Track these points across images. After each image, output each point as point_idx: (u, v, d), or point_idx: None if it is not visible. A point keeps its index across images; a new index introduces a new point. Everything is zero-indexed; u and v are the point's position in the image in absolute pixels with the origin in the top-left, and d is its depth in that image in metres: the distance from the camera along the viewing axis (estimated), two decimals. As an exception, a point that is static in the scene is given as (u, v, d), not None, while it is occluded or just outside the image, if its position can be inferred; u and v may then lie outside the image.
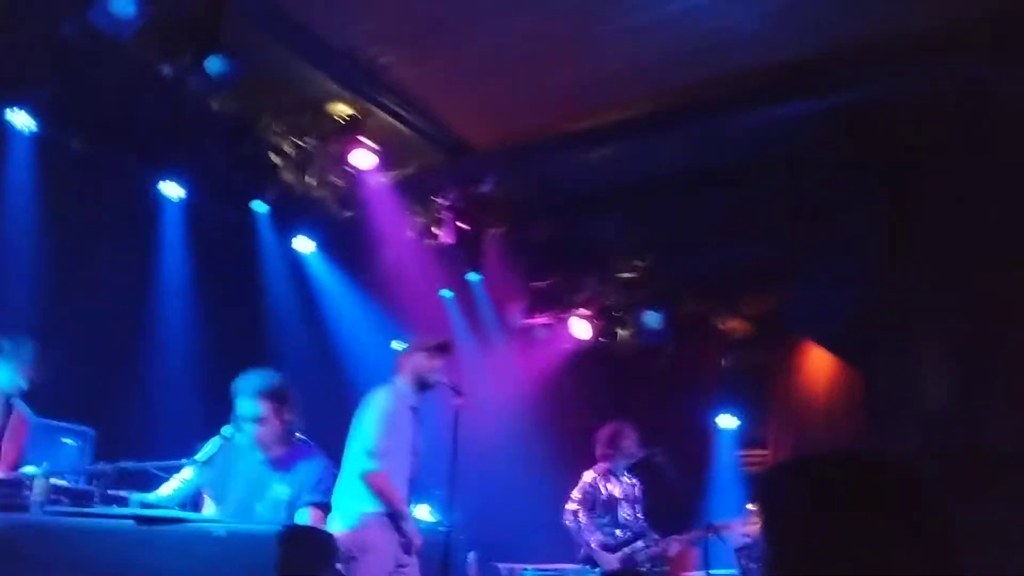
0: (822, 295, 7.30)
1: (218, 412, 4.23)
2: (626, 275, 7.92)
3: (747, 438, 8.70)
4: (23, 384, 4.70)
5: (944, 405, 6.84)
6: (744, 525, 6.03)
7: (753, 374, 8.82)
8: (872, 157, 6.64)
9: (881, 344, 7.07)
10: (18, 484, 3.81)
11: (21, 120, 5.80)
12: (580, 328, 7.98)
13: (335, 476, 4.00)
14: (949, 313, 6.85)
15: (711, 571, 5.75)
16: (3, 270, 5.52)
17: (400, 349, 5.05)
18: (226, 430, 3.79)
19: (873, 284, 6.96)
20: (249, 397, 3.78)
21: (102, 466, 3.48)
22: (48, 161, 5.89)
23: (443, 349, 5.00)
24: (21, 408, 4.75)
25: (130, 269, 6.35)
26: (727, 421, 8.53)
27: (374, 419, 4.67)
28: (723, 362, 8.30)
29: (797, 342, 8.87)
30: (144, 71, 6.03)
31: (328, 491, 3.78)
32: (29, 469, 4.08)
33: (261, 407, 3.75)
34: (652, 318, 7.56)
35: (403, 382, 4.90)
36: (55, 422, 5.29)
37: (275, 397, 3.78)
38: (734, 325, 8.65)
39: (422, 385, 4.89)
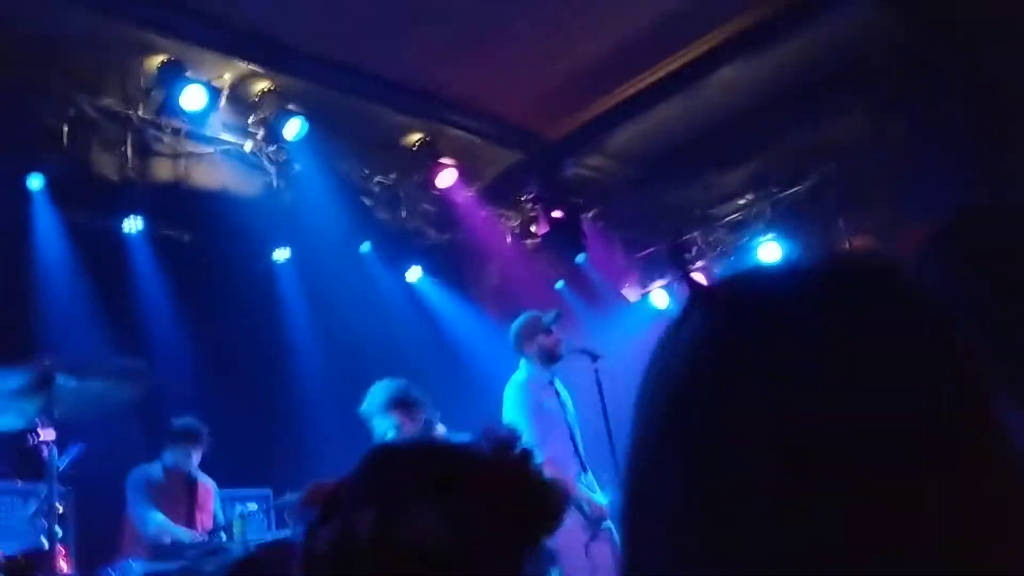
0: (931, 183, 7.05)
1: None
2: (731, 218, 7.82)
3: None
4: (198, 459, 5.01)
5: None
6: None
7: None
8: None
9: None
10: (210, 538, 4.04)
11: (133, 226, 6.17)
12: (700, 282, 7.89)
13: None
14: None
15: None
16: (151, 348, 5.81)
17: (516, 331, 5.08)
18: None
19: (982, 155, 6.68)
20: (379, 414, 3.92)
21: (282, 499, 3.65)
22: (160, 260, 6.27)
23: (557, 319, 5.02)
24: (204, 479, 5.05)
25: (260, 338, 6.64)
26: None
27: (515, 413, 4.73)
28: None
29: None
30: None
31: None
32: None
33: (393, 417, 3.88)
34: (770, 250, 7.43)
35: (530, 363, 4.95)
36: (234, 490, 5.57)
37: (401, 403, 3.90)
38: (859, 241, 8.39)
39: (550, 358, 4.92)
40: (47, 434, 2.90)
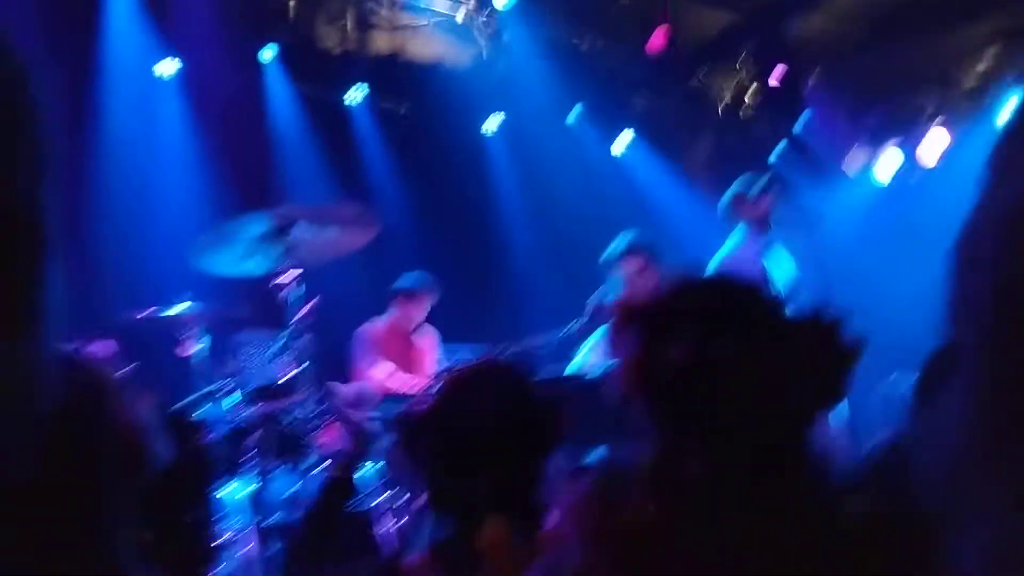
0: None
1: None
2: (975, 71, 7.08)
3: None
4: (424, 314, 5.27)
5: None
6: None
7: None
8: None
9: None
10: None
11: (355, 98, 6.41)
12: (936, 144, 7.21)
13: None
14: None
15: None
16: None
17: (727, 197, 4.89)
18: (592, 299, 3.99)
19: None
20: (617, 261, 3.95)
21: (500, 347, 3.80)
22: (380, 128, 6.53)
23: (771, 185, 4.77)
24: (427, 334, 5.33)
25: (470, 208, 6.83)
26: None
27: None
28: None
29: None
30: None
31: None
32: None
33: (630, 264, 3.89)
34: (1016, 104, 6.69)
35: (743, 230, 4.77)
36: (450, 344, 5.87)
37: (640, 252, 3.90)
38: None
39: (761, 225, 4.70)
40: (289, 275, 3.14)
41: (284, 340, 3.35)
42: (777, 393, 1.06)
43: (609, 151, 7.44)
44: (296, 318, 3.40)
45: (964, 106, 7.20)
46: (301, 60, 6.27)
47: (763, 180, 4.80)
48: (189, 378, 3.56)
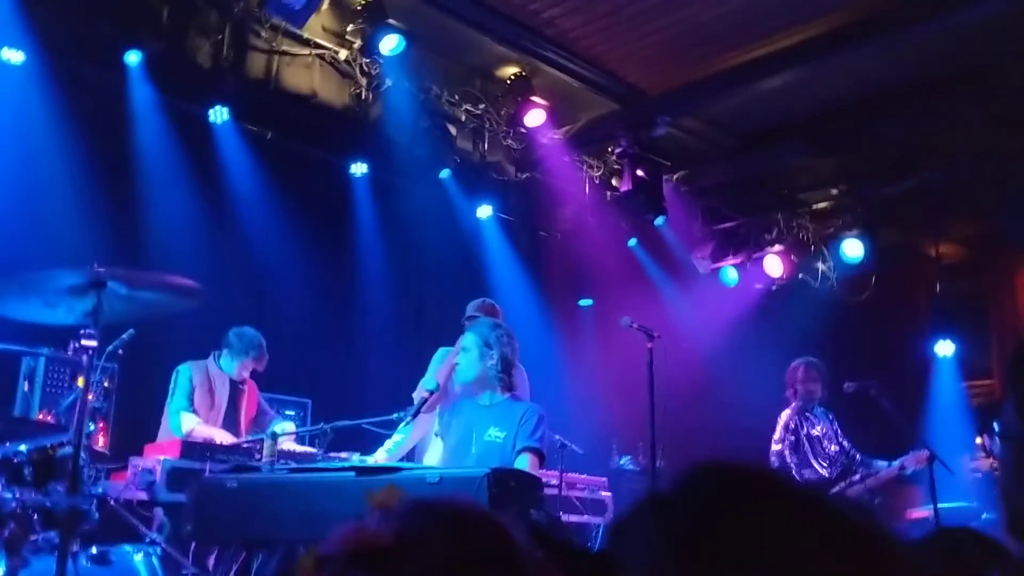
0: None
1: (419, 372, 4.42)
2: (820, 205, 7.54)
3: (970, 368, 8.08)
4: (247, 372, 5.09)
5: None
6: (973, 460, 5.61)
7: (971, 299, 8.19)
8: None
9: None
10: (249, 448, 4.12)
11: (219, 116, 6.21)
12: (774, 265, 7.67)
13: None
14: None
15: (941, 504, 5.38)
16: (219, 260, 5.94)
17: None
18: (428, 383, 3.94)
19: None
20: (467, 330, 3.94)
21: (320, 426, 3.69)
22: (243, 152, 6.32)
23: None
24: (250, 383, 5.15)
25: (328, 249, 6.70)
26: (945, 349, 7.95)
27: None
28: (937, 288, 7.74)
29: (1017, 262, 8.14)
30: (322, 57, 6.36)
31: (543, 439, 3.80)
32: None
33: (477, 345, 3.85)
34: (853, 247, 7.14)
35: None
36: (276, 396, 5.68)
37: (484, 337, 3.86)
38: (945, 250, 8.05)
39: None
40: (88, 341, 2.93)
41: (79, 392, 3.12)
42: None
43: (474, 215, 7.46)
44: (91, 380, 3.15)
45: (807, 232, 7.62)
46: (169, 70, 5.99)
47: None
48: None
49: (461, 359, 3.86)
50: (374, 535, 0.84)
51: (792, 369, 5.92)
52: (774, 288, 7.66)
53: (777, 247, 7.57)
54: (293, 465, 3.77)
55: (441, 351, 4.74)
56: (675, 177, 7.81)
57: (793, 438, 5.76)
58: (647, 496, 0.60)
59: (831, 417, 5.91)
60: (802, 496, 0.62)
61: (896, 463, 5.61)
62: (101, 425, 4.48)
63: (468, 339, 3.86)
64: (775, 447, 5.75)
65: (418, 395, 4.05)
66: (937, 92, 6.32)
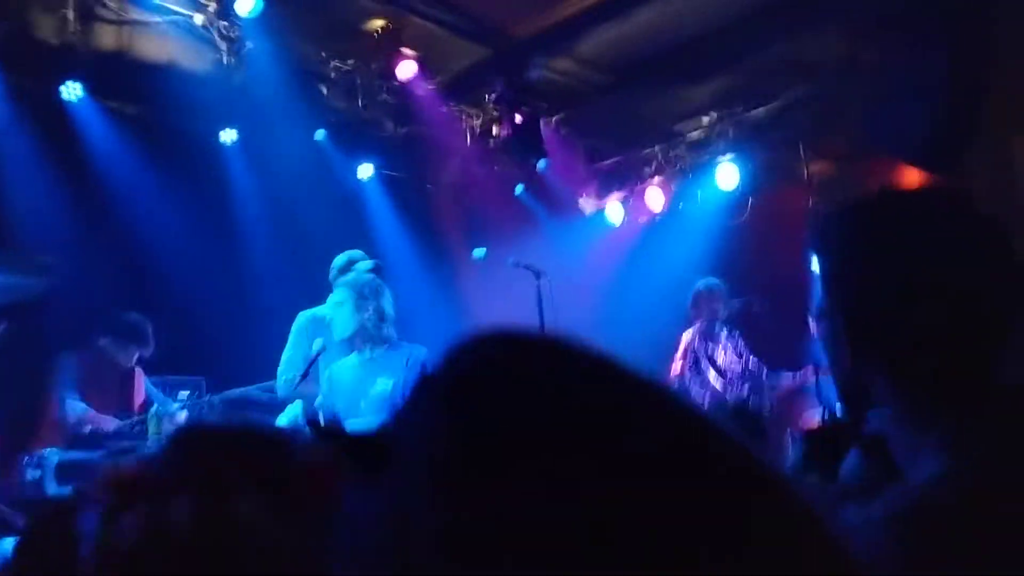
0: (903, 113, 6.93)
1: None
2: (694, 135, 7.69)
3: (848, 279, 8.40)
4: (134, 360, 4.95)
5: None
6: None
7: (845, 212, 8.49)
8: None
9: (976, 149, 6.68)
10: (130, 428, 4.01)
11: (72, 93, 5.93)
12: (655, 198, 7.81)
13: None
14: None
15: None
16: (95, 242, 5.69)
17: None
18: (316, 343, 3.89)
19: (960, 89, 6.55)
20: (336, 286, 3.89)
21: (208, 398, 3.62)
22: (104, 129, 6.06)
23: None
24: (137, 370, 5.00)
25: (207, 222, 6.51)
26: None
27: None
28: (811, 204, 8.01)
29: (887, 169, 8.49)
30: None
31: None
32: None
33: (351, 298, 3.82)
34: (728, 171, 7.33)
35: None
36: (168, 377, 5.53)
37: (357, 288, 3.83)
38: (817, 167, 8.32)
39: None
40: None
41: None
42: None
43: (355, 175, 7.33)
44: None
45: (685, 162, 7.77)
46: (13, 48, 5.67)
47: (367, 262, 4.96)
48: None
49: (336, 314, 3.82)
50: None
51: (696, 290, 6.04)
52: (657, 220, 7.81)
53: (656, 179, 7.70)
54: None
55: (303, 315, 4.67)
56: (554, 120, 7.83)
57: (694, 357, 5.92)
58: (421, 376, 0.59)
59: (736, 334, 6.06)
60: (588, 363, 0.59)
61: (798, 374, 5.85)
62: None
63: (341, 293, 3.82)
64: (675, 365, 5.91)
65: (281, 378, 4.00)
66: (797, 9, 6.47)
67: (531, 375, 0.55)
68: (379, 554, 0.53)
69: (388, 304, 3.83)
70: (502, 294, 5.80)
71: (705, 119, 7.55)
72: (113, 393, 4.81)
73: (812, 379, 5.82)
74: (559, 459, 0.49)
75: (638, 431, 0.51)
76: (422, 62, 6.85)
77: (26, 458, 3.89)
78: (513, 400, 0.53)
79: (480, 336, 0.58)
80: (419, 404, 0.57)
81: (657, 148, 7.80)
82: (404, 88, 7.04)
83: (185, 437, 0.97)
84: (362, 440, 0.57)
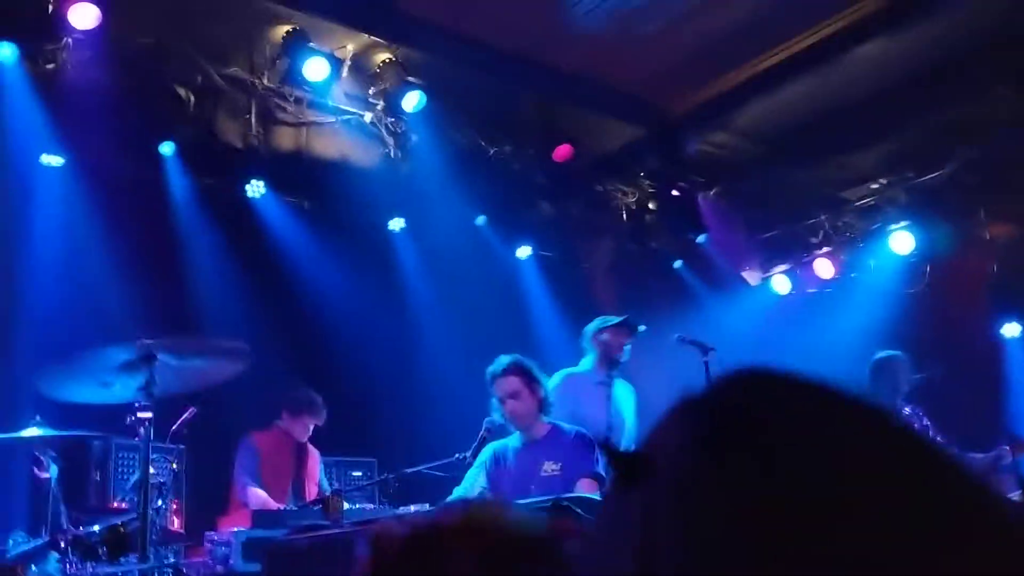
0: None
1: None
2: (863, 201, 7.41)
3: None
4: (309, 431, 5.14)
5: None
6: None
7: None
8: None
9: None
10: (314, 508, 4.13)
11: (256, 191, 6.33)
12: (825, 267, 7.53)
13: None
14: None
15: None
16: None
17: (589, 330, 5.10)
18: (487, 421, 3.93)
19: None
20: (502, 376, 3.92)
21: (384, 477, 3.69)
22: (284, 221, 6.44)
23: (626, 326, 5.01)
24: (310, 447, 5.18)
25: (377, 304, 6.71)
26: (1012, 330, 7.68)
27: None
28: (994, 269, 7.51)
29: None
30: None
31: (598, 461, 3.77)
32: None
33: (513, 382, 3.86)
34: (902, 238, 7.00)
35: (590, 359, 5.01)
36: (340, 458, 5.71)
37: (524, 372, 3.88)
38: (997, 229, 7.83)
39: (608, 361, 4.94)
40: (144, 413, 3.00)
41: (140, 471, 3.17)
42: None
43: (514, 256, 7.47)
44: (149, 452, 3.20)
45: (854, 230, 7.49)
46: (202, 154, 6.16)
47: (621, 320, 5.06)
48: (42, 503, 3.35)
49: (514, 407, 3.89)
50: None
51: (876, 362, 5.68)
52: (828, 290, 7.51)
53: (825, 248, 7.44)
54: (358, 519, 3.77)
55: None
56: (712, 192, 7.76)
57: None
58: (679, 399, 0.59)
59: (920, 411, 5.68)
60: (853, 404, 0.58)
61: (991, 455, 5.38)
62: (175, 506, 4.53)
63: (511, 383, 3.90)
64: None
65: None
66: (963, 68, 6.21)
67: (799, 417, 0.56)
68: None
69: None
70: (666, 371, 5.70)
71: (874, 185, 7.27)
72: (291, 472, 4.99)
73: (1008, 458, 5.34)
74: (832, 522, 0.50)
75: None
76: (575, 143, 6.97)
77: (215, 535, 4.07)
78: (786, 443, 0.54)
79: (746, 370, 0.59)
80: (669, 425, 0.58)
81: (824, 216, 7.55)
82: (559, 169, 7.17)
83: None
84: (625, 454, 0.58)
